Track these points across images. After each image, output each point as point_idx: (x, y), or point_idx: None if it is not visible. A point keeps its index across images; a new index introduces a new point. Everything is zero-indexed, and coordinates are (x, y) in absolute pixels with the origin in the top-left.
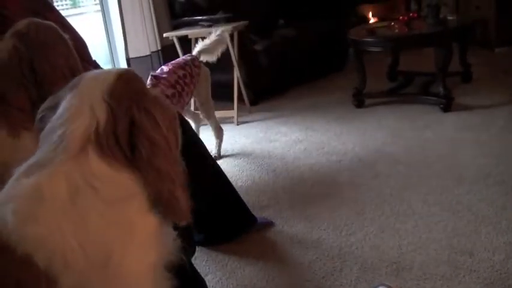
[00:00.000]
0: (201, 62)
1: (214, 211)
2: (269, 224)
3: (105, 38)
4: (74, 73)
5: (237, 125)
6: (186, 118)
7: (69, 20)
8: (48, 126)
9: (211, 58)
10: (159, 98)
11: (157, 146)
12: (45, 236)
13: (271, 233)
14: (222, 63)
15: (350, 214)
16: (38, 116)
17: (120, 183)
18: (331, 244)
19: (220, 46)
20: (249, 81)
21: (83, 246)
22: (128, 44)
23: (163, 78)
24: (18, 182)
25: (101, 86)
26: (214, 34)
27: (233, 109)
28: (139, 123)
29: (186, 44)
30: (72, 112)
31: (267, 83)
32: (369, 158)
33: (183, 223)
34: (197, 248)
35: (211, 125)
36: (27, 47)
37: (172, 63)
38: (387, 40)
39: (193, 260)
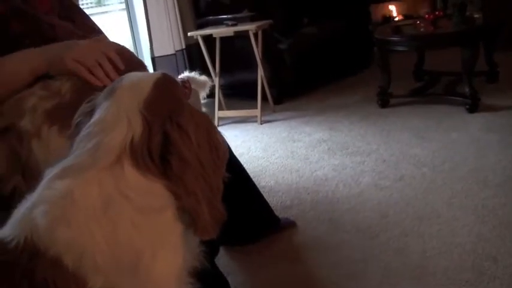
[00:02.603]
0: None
1: (236, 211)
2: (292, 225)
3: (130, 36)
4: None
5: (261, 124)
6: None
7: (94, 18)
8: (84, 132)
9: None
10: (194, 110)
11: (187, 163)
12: (75, 238)
13: (294, 234)
14: (246, 62)
15: (373, 217)
16: (75, 121)
17: (154, 194)
18: (354, 247)
19: (203, 88)
20: (273, 80)
21: (112, 249)
22: (153, 43)
23: None
24: (52, 183)
25: (138, 96)
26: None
27: (257, 108)
28: (172, 139)
29: (211, 43)
30: (108, 122)
31: (290, 82)
32: (393, 160)
33: (206, 238)
34: (220, 248)
35: None
36: None
37: None
38: (412, 39)
39: (216, 260)
